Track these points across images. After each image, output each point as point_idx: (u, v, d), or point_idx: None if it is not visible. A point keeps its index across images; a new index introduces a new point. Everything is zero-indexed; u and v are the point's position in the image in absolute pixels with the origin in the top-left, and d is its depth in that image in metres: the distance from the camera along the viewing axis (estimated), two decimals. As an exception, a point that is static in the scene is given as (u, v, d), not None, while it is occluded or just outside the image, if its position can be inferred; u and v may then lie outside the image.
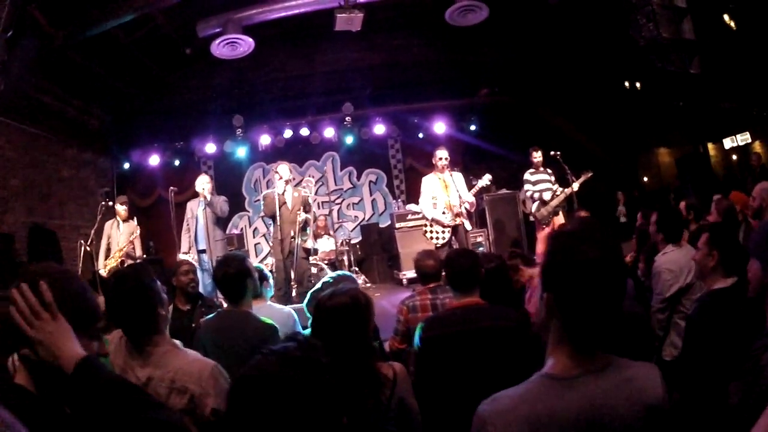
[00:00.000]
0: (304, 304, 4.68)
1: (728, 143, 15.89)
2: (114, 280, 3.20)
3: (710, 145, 16.33)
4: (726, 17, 10.74)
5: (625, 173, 16.23)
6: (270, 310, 5.23)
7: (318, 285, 4.55)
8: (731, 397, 2.77)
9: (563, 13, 11.74)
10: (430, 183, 10.08)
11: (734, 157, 16.26)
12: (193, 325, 5.46)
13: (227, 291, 4.60)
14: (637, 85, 13.96)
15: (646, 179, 17.44)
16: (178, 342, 3.27)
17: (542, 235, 11.06)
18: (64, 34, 11.19)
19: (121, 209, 11.28)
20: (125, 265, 10.35)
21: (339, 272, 4.86)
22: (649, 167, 17.61)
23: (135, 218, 11.43)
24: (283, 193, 9.82)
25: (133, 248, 11.01)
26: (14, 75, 9.76)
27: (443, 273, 5.15)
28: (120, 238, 11.04)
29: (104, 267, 10.86)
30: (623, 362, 1.96)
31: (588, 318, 1.89)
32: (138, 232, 11.13)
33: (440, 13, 11.27)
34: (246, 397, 1.62)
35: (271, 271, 8.78)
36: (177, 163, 16.52)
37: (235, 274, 4.50)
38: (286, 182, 9.93)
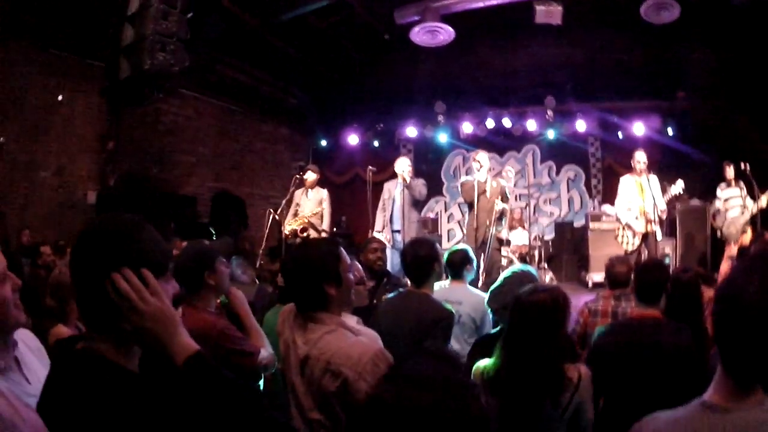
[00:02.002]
0: (485, 300, 4.71)
1: None
2: (294, 247, 3.28)
3: None
4: None
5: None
6: (465, 292, 5.37)
7: (499, 280, 4.52)
8: None
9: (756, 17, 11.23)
10: (626, 185, 9.89)
11: None
12: (375, 301, 5.62)
13: (414, 272, 4.74)
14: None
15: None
16: (354, 319, 3.33)
17: (727, 255, 10.64)
18: (257, 19, 11.77)
19: (310, 177, 11.35)
20: (305, 232, 10.77)
21: (521, 267, 4.86)
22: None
23: (326, 190, 11.53)
24: (485, 182, 9.80)
25: (320, 219, 11.16)
26: (200, 53, 10.40)
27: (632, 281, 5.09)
28: (307, 204, 11.21)
29: (286, 227, 11.12)
30: None
31: (742, 349, 1.78)
32: (326, 203, 11.25)
33: (636, 10, 11.08)
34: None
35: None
36: (376, 144, 16.98)
37: (424, 256, 4.63)
38: (487, 171, 9.97)
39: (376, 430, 1.37)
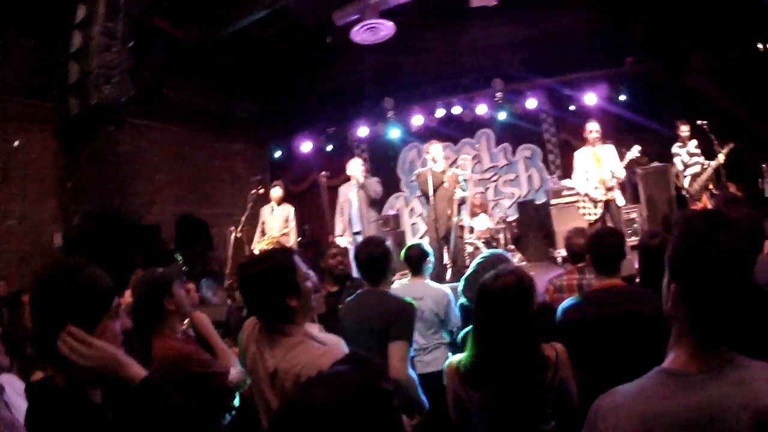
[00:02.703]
0: (459, 289, 4.75)
1: None
2: (248, 260, 3.26)
3: None
4: None
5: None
6: (425, 287, 5.41)
7: (471, 268, 4.58)
8: None
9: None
10: (582, 157, 10.01)
11: None
12: (340, 306, 5.64)
13: (370, 271, 4.73)
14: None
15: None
16: (316, 327, 3.32)
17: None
18: (196, 37, 11.71)
19: (276, 193, 11.46)
20: None
21: (491, 251, 4.88)
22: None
23: (292, 207, 11.58)
24: (441, 172, 9.80)
25: (288, 235, 11.23)
26: (146, 80, 10.37)
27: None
28: (273, 222, 11.28)
29: (255, 246, 11.20)
30: (743, 362, 1.86)
31: (716, 312, 1.83)
32: (292, 223, 11.34)
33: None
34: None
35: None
36: (330, 148, 16.90)
37: (380, 255, 4.63)
38: (443, 160, 9.99)
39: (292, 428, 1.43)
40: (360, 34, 11.76)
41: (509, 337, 3.13)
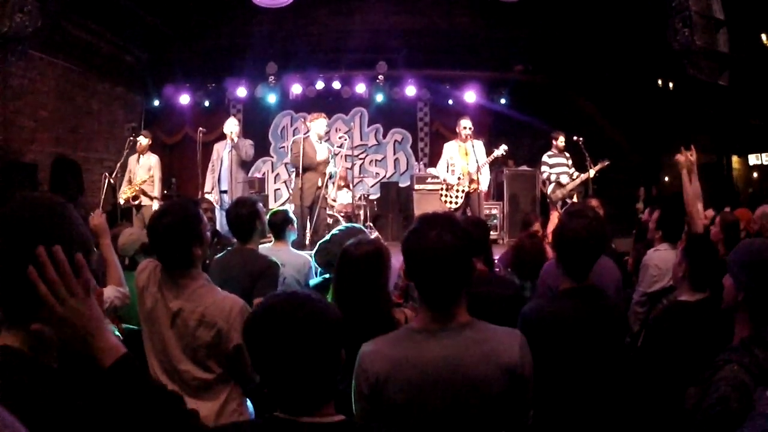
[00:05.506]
0: (312, 254, 5.00)
1: (753, 159, 15.80)
2: (158, 211, 3.50)
3: (734, 158, 16.26)
4: (764, 36, 10.78)
5: (647, 170, 16.27)
6: (288, 254, 5.63)
7: (327, 237, 4.81)
8: (687, 401, 2.93)
9: (606, 1, 11.78)
10: (450, 149, 10.43)
11: (755, 174, 16.20)
12: (207, 261, 5.79)
13: (238, 230, 5.07)
14: (670, 85, 14.04)
15: (666, 179, 17.47)
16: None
17: (554, 216, 11.27)
18: None
19: (142, 142, 11.47)
20: (137, 200, 10.99)
21: (348, 224, 5.14)
22: (671, 168, 17.65)
23: (156, 157, 11.61)
24: (317, 144, 10.02)
25: (152, 183, 11.26)
26: (52, 11, 9.97)
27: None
28: (139, 171, 11.29)
29: (120, 195, 11.29)
30: (484, 326, 2.47)
31: (432, 288, 2.41)
32: (156, 170, 11.37)
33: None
34: (258, 330, 1.87)
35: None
36: (207, 103, 16.78)
37: (246, 215, 4.97)
38: (322, 135, 10.20)
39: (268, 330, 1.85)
40: (261, -5, 11.63)
41: (364, 299, 3.41)
